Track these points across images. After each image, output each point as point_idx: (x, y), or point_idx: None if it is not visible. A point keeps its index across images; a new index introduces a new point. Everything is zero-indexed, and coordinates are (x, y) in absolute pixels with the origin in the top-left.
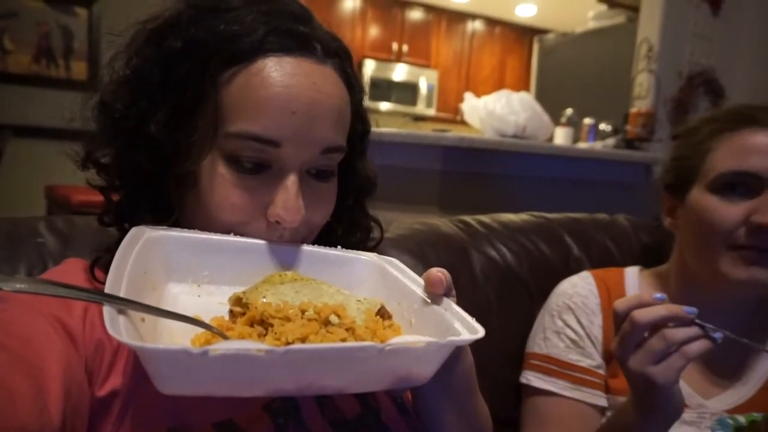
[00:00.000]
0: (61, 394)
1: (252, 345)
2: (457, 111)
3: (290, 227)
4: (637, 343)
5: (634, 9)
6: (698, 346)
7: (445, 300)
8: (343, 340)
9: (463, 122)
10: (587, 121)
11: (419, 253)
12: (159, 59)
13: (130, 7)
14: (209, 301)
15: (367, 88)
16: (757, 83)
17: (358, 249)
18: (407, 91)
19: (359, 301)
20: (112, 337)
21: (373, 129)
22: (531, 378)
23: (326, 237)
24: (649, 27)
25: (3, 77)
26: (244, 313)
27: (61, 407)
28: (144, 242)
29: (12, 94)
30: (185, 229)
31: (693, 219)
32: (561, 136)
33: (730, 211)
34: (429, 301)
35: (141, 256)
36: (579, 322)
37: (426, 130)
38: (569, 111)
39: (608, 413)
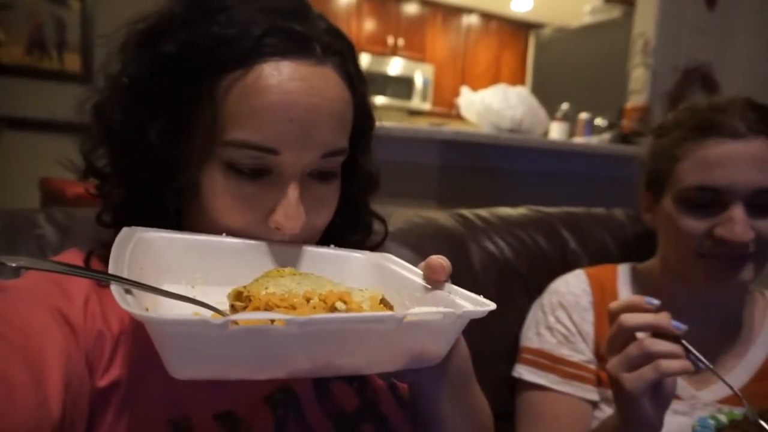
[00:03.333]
0: (61, 385)
1: (270, 316)
2: (452, 105)
3: (291, 233)
4: (620, 346)
5: (630, 3)
6: (675, 364)
7: (447, 285)
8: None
9: (458, 116)
10: (583, 115)
11: (418, 246)
12: (154, 65)
13: (124, 0)
14: (205, 300)
15: None
16: (752, 78)
17: (361, 247)
18: (402, 86)
19: (361, 290)
20: (112, 327)
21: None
22: (523, 372)
23: (328, 236)
24: (645, 21)
25: None
26: (245, 307)
27: (61, 399)
28: (135, 243)
29: (4, 85)
30: (177, 231)
31: (666, 224)
32: (556, 131)
33: (694, 225)
34: (430, 287)
35: (135, 257)
36: (571, 319)
37: (422, 125)
38: (565, 105)
39: (600, 406)
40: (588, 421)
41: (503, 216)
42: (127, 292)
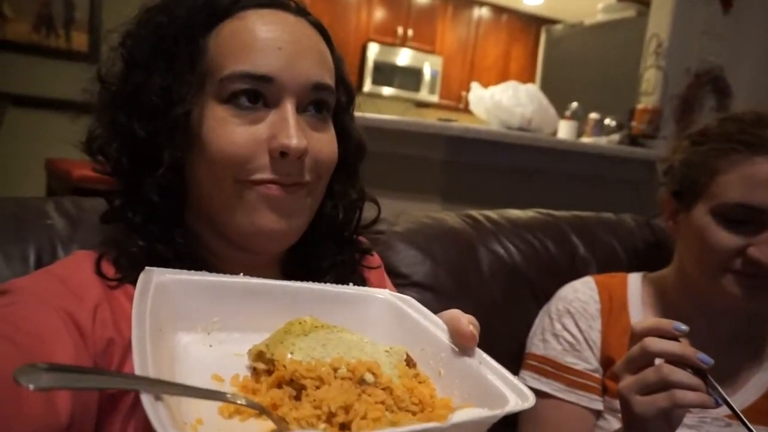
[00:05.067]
0: (69, 392)
1: None
2: (460, 98)
3: (296, 156)
4: (638, 368)
5: (645, 3)
6: (691, 396)
7: (478, 352)
8: (382, 402)
9: (466, 110)
10: (593, 115)
11: (427, 247)
12: (149, 35)
13: None
14: (222, 351)
15: (370, 72)
16: (766, 84)
17: (353, 230)
18: (411, 77)
19: (387, 352)
20: (123, 334)
21: (377, 115)
22: (527, 378)
23: (320, 216)
24: (659, 22)
25: (1, 45)
26: (268, 371)
27: (69, 404)
28: (154, 290)
29: (11, 62)
30: (193, 271)
31: (694, 235)
32: (565, 130)
33: (730, 240)
34: (457, 350)
35: (155, 309)
36: (578, 326)
37: (429, 117)
38: (574, 104)
39: (604, 415)
40: (590, 429)
41: (512, 218)
42: (158, 398)
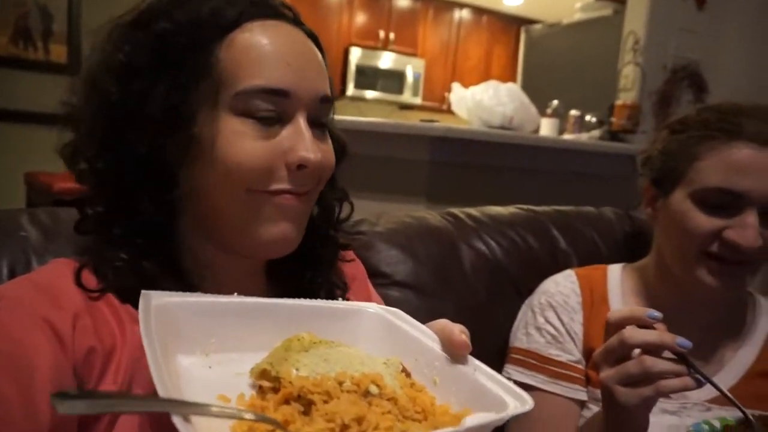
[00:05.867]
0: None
1: None
2: (443, 100)
3: (314, 169)
4: (618, 359)
5: (621, 1)
6: (675, 383)
7: (471, 359)
8: (389, 412)
9: (449, 111)
10: (573, 112)
11: (408, 246)
12: (151, 42)
13: None
14: (223, 372)
15: (353, 76)
16: (740, 78)
17: (334, 227)
18: (394, 80)
19: (385, 364)
20: (104, 342)
21: (360, 118)
22: (512, 372)
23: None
24: (636, 19)
25: None
26: (274, 388)
27: (49, 412)
28: (155, 314)
29: None
30: (189, 293)
31: (672, 220)
32: (547, 128)
33: (709, 223)
34: (451, 359)
35: (159, 334)
36: (560, 319)
37: (412, 119)
38: (555, 102)
39: (588, 405)
40: (576, 421)
41: (494, 215)
42: (186, 418)
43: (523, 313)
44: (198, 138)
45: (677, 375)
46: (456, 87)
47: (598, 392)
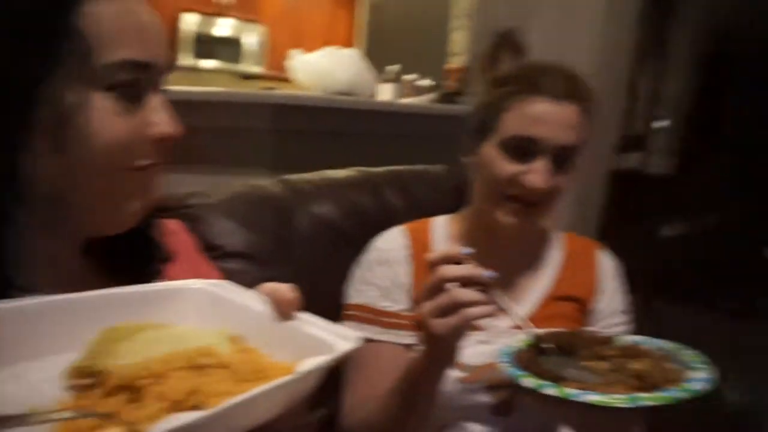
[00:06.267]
0: None
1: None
2: (287, 69)
3: (176, 133)
4: (435, 294)
5: None
6: (478, 311)
7: (301, 314)
8: (225, 379)
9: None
10: (410, 76)
11: (241, 216)
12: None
13: None
14: (31, 381)
15: (189, 45)
16: (551, 43)
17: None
18: (233, 48)
19: (213, 334)
20: None
21: (199, 88)
22: (347, 327)
23: None
24: None
25: None
26: (94, 384)
27: None
28: None
29: None
30: None
31: (483, 167)
32: (386, 92)
33: (509, 168)
34: (281, 317)
35: None
36: (390, 272)
37: (253, 89)
38: (394, 67)
39: (416, 347)
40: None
41: (329, 179)
42: None
43: (356, 271)
44: (61, 116)
45: (482, 304)
46: (295, 53)
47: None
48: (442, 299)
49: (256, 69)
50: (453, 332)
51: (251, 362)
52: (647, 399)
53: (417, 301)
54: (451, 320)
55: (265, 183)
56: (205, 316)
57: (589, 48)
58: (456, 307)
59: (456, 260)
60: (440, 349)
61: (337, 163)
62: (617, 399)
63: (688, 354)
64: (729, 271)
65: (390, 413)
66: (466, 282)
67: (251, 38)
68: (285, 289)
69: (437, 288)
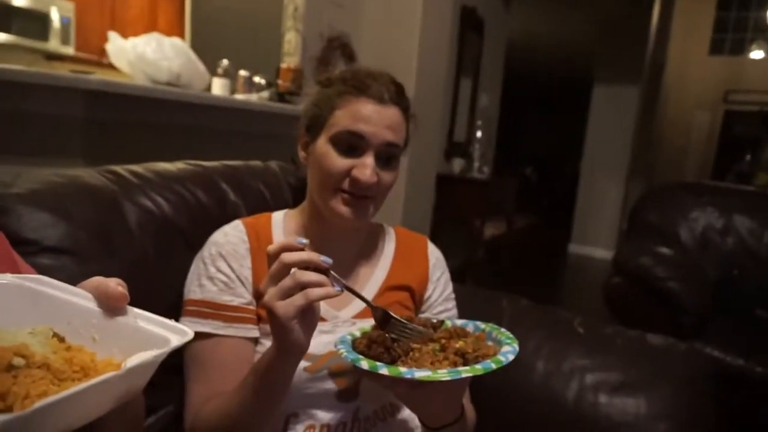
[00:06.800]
0: None
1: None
2: (103, 52)
3: None
4: (278, 280)
5: None
6: (320, 291)
7: (130, 309)
8: (41, 379)
9: (110, 65)
10: (242, 72)
11: (59, 208)
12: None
13: None
14: None
15: None
16: (378, 49)
17: None
18: (36, 23)
19: (31, 333)
20: None
21: None
22: (188, 323)
23: None
24: None
25: None
26: None
27: None
28: None
29: None
30: None
31: (316, 161)
32: (218, 87)
33: (340, 163)
34: (110, 313)
35: None
36: (230, 267)
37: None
38: (225, 62)
39: (261, 340)
40: (251, 356)
41: (160, 171)
42: None
43: (195, 266)
44: None
45: (322, 285)
46: (114, 37)
47: (267, 327)
48: (285, 282)
49: (65, 49)
50: (296, 313)
51: (75, 361)
52: (466, 371)
53: (257, 295)
54: (296, 300)
55: (85, 173)
56: (20, 312)
57: (412, 55)
58: (299, 287)
59: (294, 249)
60: (287, 334)
61: (165, 157)
62: (441, 374)
63: (502, 332)
64: (538, 265)
65: (242, 407)
66: (305, 267)
67: (56, 14)
68: (112, 284)
69: (280, 273)
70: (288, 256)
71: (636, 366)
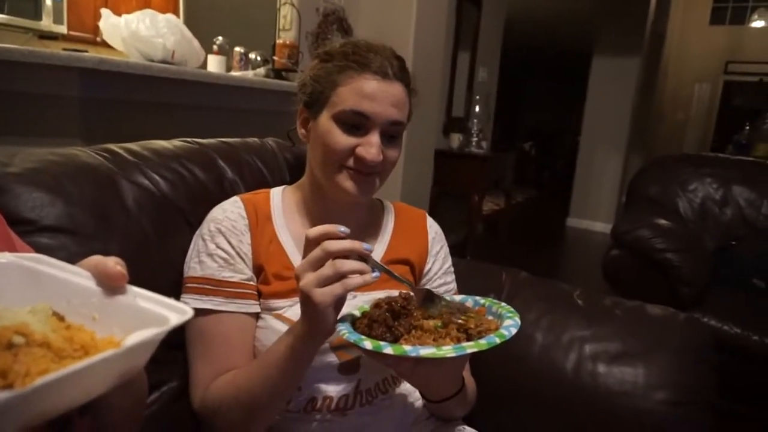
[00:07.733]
0: None
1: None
2: (97, 31)
3: None
4: (317, 267)
5: None
6: (358, 280)
7: (129, 287)
8: (42, 357)
9: (105, 44)
10: (238, 49)
11: (56, 187)
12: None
13: None
14: None
15: None
16: (375, 23)
17: None
18: (28, 2)
19: (30, 312)
20: None
21: None
22: (189, 300)
23: None
24: None
25: None
26: None
27: None
28: None
29: None
30: None
31: (319, 139)
32: (214, 64)
33: (345, 141)
34: (109, 292)
35: None
36: (230, 243)
37: (56, 50)
38: (220, 39)
39: (262, 315)
40: (252, 331)
41: (157, 149)
42: None
43: (195, 243)
44: None
45: (360, 273)
46: (106, 14)
47: (269, 303)
48: (325, 270)
49: (58, 28)
50: (333, 301)
51: (75, 339)
52: (470, 347)
53: (256, 271)
54: (335, 289)
55: (81, 151)
56: (19, 291)
57: (409, 29)
58: (338, 277)
59: (335, 237)
60: (321, 320)
61: (162, 135)
62: (446, 350)
63: (502, 306)
64: (537, 239)
65: (265, 386)
66: (346, 255)
67: None
68: (110, 262)
69: (321, 260)
70: (331, 245)
71: (635, 336)
